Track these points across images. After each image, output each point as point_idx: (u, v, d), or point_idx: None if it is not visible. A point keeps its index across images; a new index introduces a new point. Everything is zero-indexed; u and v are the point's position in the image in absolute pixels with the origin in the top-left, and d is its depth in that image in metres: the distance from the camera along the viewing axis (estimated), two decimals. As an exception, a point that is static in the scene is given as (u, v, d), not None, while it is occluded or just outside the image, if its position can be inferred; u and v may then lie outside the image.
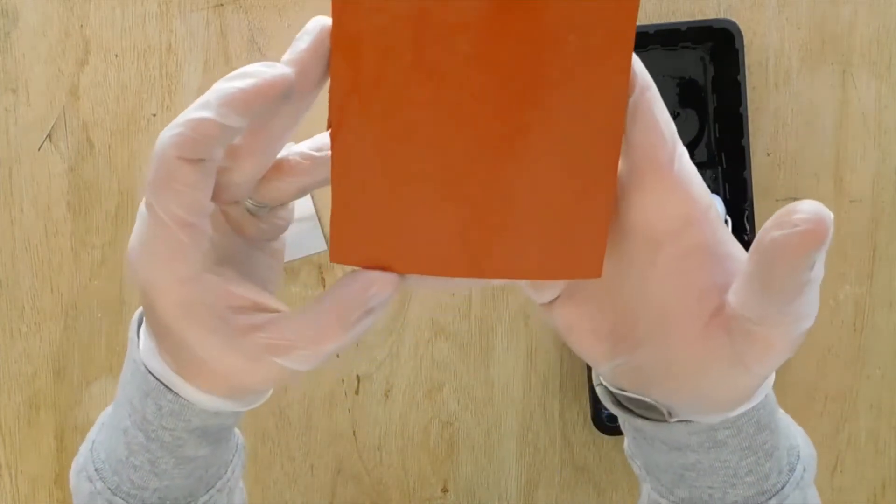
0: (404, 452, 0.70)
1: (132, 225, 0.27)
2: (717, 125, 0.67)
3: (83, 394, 0.68)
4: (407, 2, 0.24)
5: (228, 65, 0.67)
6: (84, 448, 0.34)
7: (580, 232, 0.26)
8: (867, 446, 0.70)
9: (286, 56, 0.25)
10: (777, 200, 0.68)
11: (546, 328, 0.68)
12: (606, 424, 0.65)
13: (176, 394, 0.29)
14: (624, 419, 0.33)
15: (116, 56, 0.67)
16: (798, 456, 0.32)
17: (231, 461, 0.35)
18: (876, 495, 0.70)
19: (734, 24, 0.63)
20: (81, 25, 0.66)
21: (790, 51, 0.67)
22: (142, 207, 0.26)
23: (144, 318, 0.29)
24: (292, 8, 0.67)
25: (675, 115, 0.67)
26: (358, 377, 0.69)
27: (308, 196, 0.67)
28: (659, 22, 0.66)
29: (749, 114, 0.64)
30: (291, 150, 0.29)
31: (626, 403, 0.32)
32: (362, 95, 0.25)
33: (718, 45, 0.65)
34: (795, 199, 0.68)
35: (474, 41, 0.24)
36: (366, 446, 0.69)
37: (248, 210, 0.30)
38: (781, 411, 0.33)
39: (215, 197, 0.27)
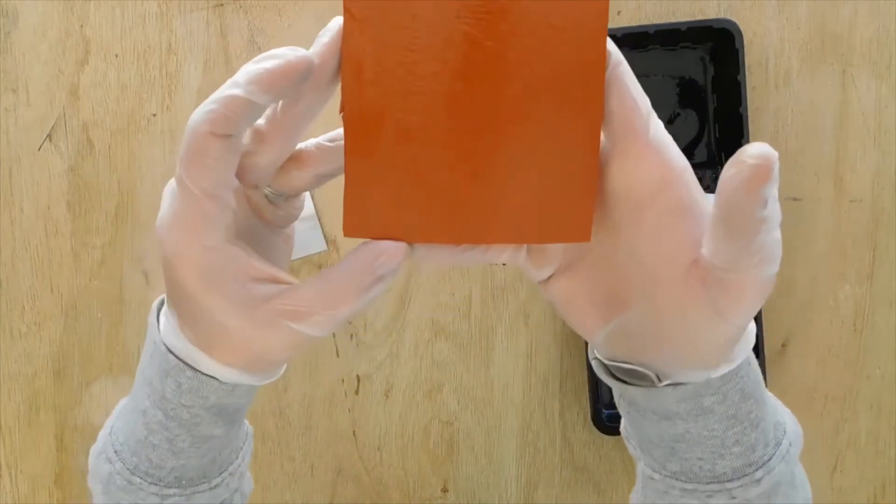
0: (404, 452, 0.70)
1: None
2: (717, 125, 0.67)
3: (83, 394, 0.68)
4: (403, 7, 0.27)
5: (228, 65, 0.67)
6: (102, 433, 0.36)
7: (570, 199, 0.29)
8: (867, 446, 0.70)
9: (311, 48, 0.28)
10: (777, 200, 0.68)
11: (545, 328, 0.68)
12: (606, 424, 0.65)
13: (195, 370, 0.31)
14: (618, 392, 0.35)
15: (116, 56, 0.67)
16: (784, 431, 0.34)
17: (241, 448, 0.37)
18: (876, 495, 0.70)
19: (734, 24, 0.63)
20: (81, 25, 0.66)
21: (790, 51, 0.67)
22: (170, 184, 0.29)
23: (166, 296, 0.31)
24: (292, 8, 0.67)
25: (675, 116, 0.67)
26: (358, 377, 0.69)
27: (308, 197, 0.67)
28: (659, 22, 0.66)
29: (749, 114, 0.64)
30: (308, 142, 0.32)
31: (619, 375, 0.34)
32: (370, 81, 0.27)
33: (718, 45, 0.65)
34: (796, 199, 0.68)
35: (467, 33, 0.27)
36: (366, 446, 0.69)
37: (267, 197, 0.32)
38: (769, 393, 0.35)
39: (241, 179, 0.30)
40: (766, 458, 0.33)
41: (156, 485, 0.33)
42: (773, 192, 0.26)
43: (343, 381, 0.69)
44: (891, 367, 0.69)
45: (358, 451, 0.70)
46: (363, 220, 0.29)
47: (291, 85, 0.27)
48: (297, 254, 0.67)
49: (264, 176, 0.31)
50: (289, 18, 0.67)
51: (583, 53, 0.27)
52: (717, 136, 0.67)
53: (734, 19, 0.64)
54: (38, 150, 0.67)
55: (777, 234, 0.27)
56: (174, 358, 0.31)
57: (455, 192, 0.29)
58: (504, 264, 0.67)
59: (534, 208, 0.29)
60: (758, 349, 0.65)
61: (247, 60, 0.59)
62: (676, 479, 0.34)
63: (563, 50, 0.27)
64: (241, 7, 0.67)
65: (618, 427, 0.39)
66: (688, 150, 0.67)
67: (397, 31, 0.27)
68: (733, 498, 0.32)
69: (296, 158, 0.31)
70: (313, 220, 0.67)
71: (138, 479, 0.33)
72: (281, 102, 0.29)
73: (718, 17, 0.66)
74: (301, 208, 0.35)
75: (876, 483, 0.70)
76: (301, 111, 0.29)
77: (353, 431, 0.69)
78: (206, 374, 0.31)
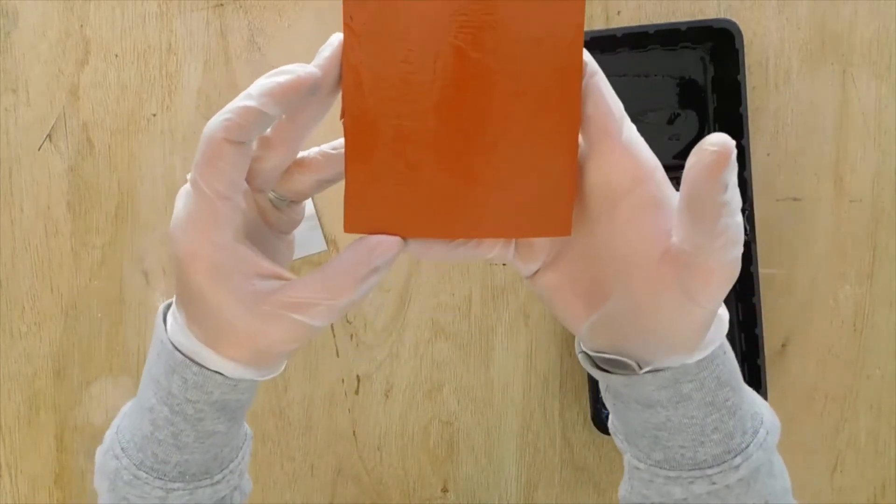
0: (404, 452, 0.70)
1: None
2: (717, 125, 0.67)
3: (83, 394, 0.68)
4: (396, 16, 0.30)
5: (228, 65, 0.67)
6: (109, 433, 0.38)
7: (551, 196, 0.32)
8: (867, 446, 0.70)
9: (313, 62, 0.31)
10: (777, 200, 0.68)
11: (545, 328, 0.68)
12: (606, 424, 0.65)
13: (200, 366, 0.33)
14: (604, 385, 0.37)
15: (116, 56, 0.67)
16: (762, 421, 0.36)
17: (241, 447, 0.39)
18: (876, 495, 0.70)
19: (734, 24, 0.63)
20: (81, 25, 0.66)
21: (790, 51, 0.67)
22: (184, 188, 0.32)
23: (176, 295, 0.34)
24: (292, 8, 0.67)
25: (675, 116, 0.67)
26: (358, 377, 0.69)
27: (309, 199, 0.67)
28: (659, 22, 0.66)
29: (749, 114, 0.64)
30: (311, 150, 0.35)
31: (603, 366, 0.36)
32: (368, 90, 0.30)
33: (718, 45, 0.65)
34: (796, 199, 0.68)
35: (456, 46, 0.30)
36: (366, 446, 0.69)
37: (272, 202, 0.35)
38: (748, 388, 0.37)
39: (249, 183, 0.33)
40: (743, 445, 0.35)
41: (161, 479, 0.35)
42: (733, 178, 0.28)
43: (343, 381, 0.69)
44: (891, 367, 0.69)
45: (358, 451, 0.70)
46: (362, 217, 0.31)
47: (300, 97, 0.30)
48: (297, 253, 0.67)
49: (270, 179, 0.34)
50: (289, 18, 0.67)
51: (561, 63, 0.30)
52: (717, 136, 0.67)
53: (734, 19, 0.64)
54: (38, 150, 0.67)
55: (739, 218, 0.29)
56: (181, 355, 0.33)
57: (446, 191, 0.31)
58: (504, 264, 0.68)
59: (519, 205, 0.32)
60: (758, 349, 0.65)
61: (247, 60, 0.63)
62: (660, 468, 0.36)
63: (543, 60, 0.30)
64: (241, 7, 0.67)
65: (618, 427, 0.40)
66: (688, 150, 0.67)
67: (392, 45, 0.30)
68: (713, 484, 0.34)
69: (299, 164, 0.34)
70: (313, 221, 0.67)
71: (144, 474, 0.35)
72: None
73: (718, 17, 0.66)
74: (303, 216, 0.38)
75: (876, 483, 0.70)
76: (304, 120, 0.32)
77: (353, 431, 0.69)
78: (212, 370, 0.33)
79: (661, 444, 0.35)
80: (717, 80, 0.67)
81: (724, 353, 0.35)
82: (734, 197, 0.29)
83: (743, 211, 0.64)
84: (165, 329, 0.34)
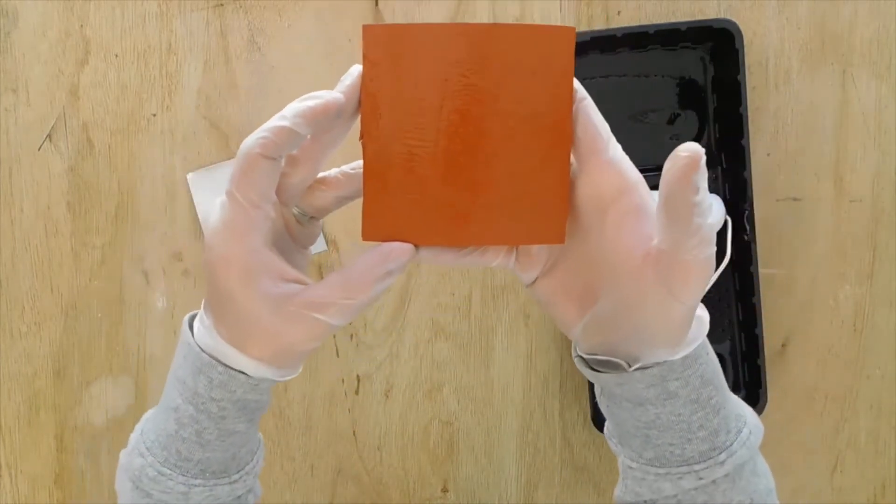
0: (404, 452, 0.70)
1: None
2: (717, 125, 0.67)
3: (83, 394, 0.68)
4: (406, 54, 0.34)
5: (228, 65, 0.67)
6: (133, 435, 0.41)
7: (547, 208, 0.36)
8: (867, 446, 0.70)
9: (336, 88, 0.35)
10: (777, 200, 0.68)
11: (545, 328, 0.68)
12: (606, 424, 0.65)
13: (226, 366, 0.36)
14: (599, 388, 0.40)
15: (116, 56, 0.67)
16: (745, 422, 0.39)
17: (256, 451, 0.42)
18: (876, 495, 0.70)
19: (734, 24, 0.63)
20: (81, 25, 0.66)
21: (790, 51, 0.67)
22: (218, 200, 0.35)
23: (206, 298, 0.37)
24: (292, 8, 0.67)
25: (675, 116, 0.67)
26: (358, 377, 0.69)
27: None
28: (659, 22, 0.66)
29: (749, 114, 0.64)
30: (332, 170, 0.39)
31: (597, 367, 0.39)
32: (384, 114, 0.34)
33: (718, 45, 0.65)
34: (796, 199, 0.68)
35: (462, 75, 0.34)
36: (366, 446, 0.69)
37: (295, 216, 0.39)
38: (732, 394, 0.40)
39: (277, 196, 0.36)
40: (728, 443, 0.37)
41: (183, 475, 0.38)
42: (703, 183, 0.32)
43: (343, 381, 0.69)
44: (891, 367, 0.69)
45: (358, 451, 0.70)
46: (378, 227, 0.35)
47: (328, 120, 0.34)
48: (297, 254, 0.67)
49: (296, 194, 0.38)
50: (289, 18, 0.67)
51: (554, 91, 0.34)
52: (717, 136, 0.67)
53: (734, 19, 0.64)
54: (38, 150, 0.67)
55: (711, 220, 0.33)
56: (207, 356, 0.36)
57: (453, 204, 0.35)
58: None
59: (518, 216, 0.36)
60: (758, 349, 0.65)
61: (247, 60, 0.66)
62: (651, 466, 0.39)
63: (538, 88, 0.34)
64: (241, 7, 0.67)
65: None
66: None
67: (406, 74, 0.34)
68: (700, 479, 0.37)
69: (322, 181, 0.38)
70: (313, 220, 0.67)
71: (168, 471, 0.38)
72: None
73: (718, 17, 0.66)
74: (320, 231, 0.41)
75: (876, 483, 0.70)
76: (327, 140, 0.36)
77: (353, 431, 0.69)
78: (236, 370, 0.36)
79: (651, 443, 0.38)
80: (717, 80, 0.67)
81: (707, 353, 0.38)
82: (705, 199, 0.32)
83: (743, 211, 0.65)
84: (192, 335, 0.37)
